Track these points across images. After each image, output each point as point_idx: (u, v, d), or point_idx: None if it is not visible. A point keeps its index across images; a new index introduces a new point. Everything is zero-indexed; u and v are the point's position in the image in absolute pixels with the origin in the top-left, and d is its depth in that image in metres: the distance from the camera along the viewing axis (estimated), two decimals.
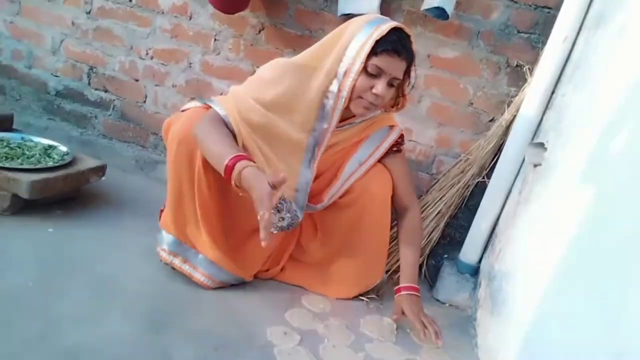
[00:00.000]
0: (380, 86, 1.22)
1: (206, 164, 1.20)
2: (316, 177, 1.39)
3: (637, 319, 0.63)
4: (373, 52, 1.19)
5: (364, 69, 1.21)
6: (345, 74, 1.22)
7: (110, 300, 1.16)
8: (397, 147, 1.45)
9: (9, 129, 1.79)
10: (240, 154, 1.11)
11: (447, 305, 1.59)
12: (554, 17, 1.51)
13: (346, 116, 1.33)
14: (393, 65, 1.22)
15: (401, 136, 1.46)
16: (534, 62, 1.63)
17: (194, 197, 1.26)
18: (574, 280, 0.88)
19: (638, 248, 0.68)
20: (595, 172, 0.95)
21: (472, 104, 1.77)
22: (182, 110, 1.34)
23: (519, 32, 1.68)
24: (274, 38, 1.91)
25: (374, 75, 1.22)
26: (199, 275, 1.31)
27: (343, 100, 1.25)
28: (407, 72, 1.30)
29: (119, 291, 1.21)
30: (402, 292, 1.37)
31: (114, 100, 2.12)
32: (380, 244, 1.47)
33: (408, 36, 1.24)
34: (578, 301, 0.83)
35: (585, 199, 0.94)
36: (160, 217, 1.39)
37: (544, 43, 1.57)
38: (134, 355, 1.00)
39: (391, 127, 1.45)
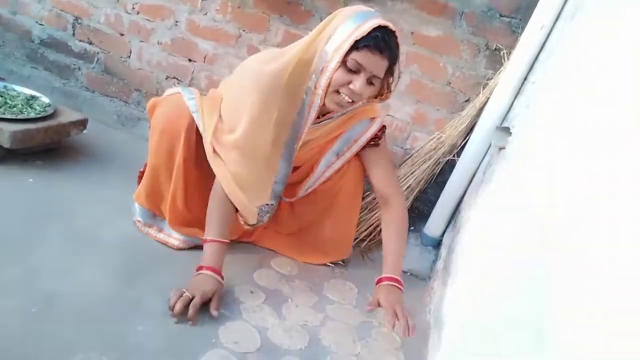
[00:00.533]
0: (358, 83, 1.20)
1: (187, 160, 1.31)
2: (293, 170, 1.41)
3: (566, 299, 0.71)
4: (354, 46, 1.16)
5: (344, 63, 1.19)
6: (322, 70, 1.21)
7: (86, 251, 1.22)
8: (374, 141, 1.43)
9: None
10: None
11: (409, 273, 1.68)
12: (536, 3, 1.54)
13: (326, 111, 1.34)
14: (373, 62, 1.19)
15: (382, 128, 1.44)
16: (512, 46, 1.67)
17: (169, 185, 1.34)
18: (514, 264, 0.96)
19: (578, 237, 0.75)
20: (557, 159, 1.01)
21: (450, 83, 1.81)
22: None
23: (501, 15, 1.71)
24: (262, 2, 1.91)
25: (353, 71, 1.20)
26: (173, 240, 1.38)
27: (319, 97, 1.24)
28: (391, 70, 1.28)
29: (95, 243, 1.27)
30: (383, 282, 1.35)
31: (98, 53, 2.12)
32: (351, 222, 1.57)
33: (393, 33, 1.20)
34: (517, 284, 0.91)
35: (536, 186, 1.01)
36: (138, 181, 1.45)
37: (523, 29, 1.60)
38: (106, 303, 1.08)
39: (372, 119, 1.43)
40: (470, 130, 1.73)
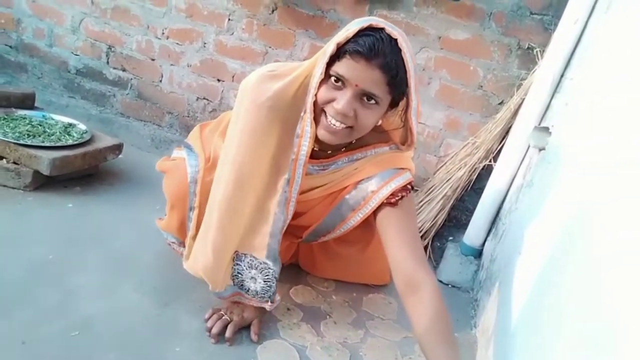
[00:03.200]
0: (342, 99, 0.95)
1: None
2: (300, 215, 1.18)
3: (622, 306, 0.66)
4: (337, 55, 0.95)
5: (328, 77, 0.97)
6: (310, 91, 0.99)
7: (124, 274, 1.23)
8: (394, 198, 1.10)
9: (31, 107, 1.86)
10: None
11: (450, 286, 1.62)
12: None
13: (334, 150, 1.13)
14: (357, 72, 0.93)
15: (408, 185, 1.13)
16: (545, 44, 1.61)
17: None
18: (567, 269, 0.90)
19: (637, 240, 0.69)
20: (599, 158, 0.95)
21: (481, 86, 1.76)
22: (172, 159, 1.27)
23: (531, 13, 1.65)
24: (286, 18, 1.92)
25: (337, 87, 0.97)
26: None
27: (308, 124, 1.01)
28: (400, 90, 1.00)
29: (132, 265, 1.28)
30: None
31: (131, 79, 2.18)
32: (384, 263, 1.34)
33: (391, 39, 0.93)
34: (570, 290, 0.85)
35: (584, 185, 0.96)
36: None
37: (556, 25, 1.54)
38: (144, 326, 1.08)
39: (400, 169, 1.13)
40: (506, 133, 1.67)
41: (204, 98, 2.11)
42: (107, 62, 2.19)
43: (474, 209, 1.67)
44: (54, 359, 0.92)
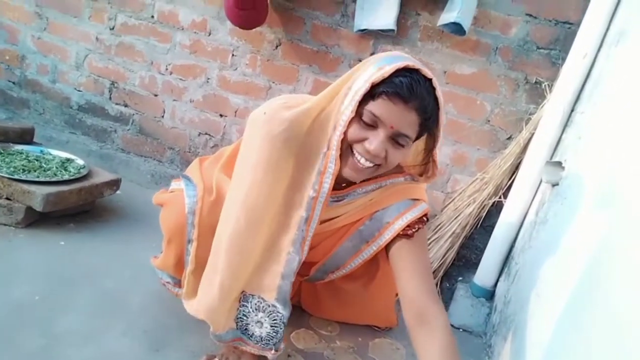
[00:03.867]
0: (375, 140, 0.93)
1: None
2: (309, 249, 1.07)
3: None
4: (371, 93, 0.92)
5: (359, 116, 0.94)
6: (334, 127, 0.95)
7: (113, 316, 1.16)
8: (410, 230, 1.08)
9: (29, 142, 1.83)
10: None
11: (461, 330, 1.53)
12: (575, 33, 1.47)
13: (348, 182, 1.07)
14: (394, 114, 0.91)
15: (424, 217, 1.11)
16: (553, 78, 1.58)
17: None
18: (590, 309, 0.83)
19: None
20: (615, 193, 0.90)
21: (489, 121, 1.72)
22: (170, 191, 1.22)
23: (538, 48, 1.63)
24: (290, 53, 1.91)
25: (370, 125, 0.94)
26: None
27: (333, 161, 0.96)
28: (429, 130, 1.00)
29: (123, 307, 1.20)
30: None
31: (133, 114, 2.16)
32: (389, 301, 1.39)
33: (426, 80, 0.92)
34: (595, 331, 0.77)
35: (604, 221, 0.89)
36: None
37: (564, 59, 1.52)
38: None
39: (415, 200, 1.11)
40: (515, 168, 1.61)
41: (206, 133, 2.08)
42: (110, 98, 2.17)
43: (484, 247, 1.60)
44: None
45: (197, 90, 2.05)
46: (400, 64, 0.91)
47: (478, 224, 1.70)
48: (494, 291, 1.56)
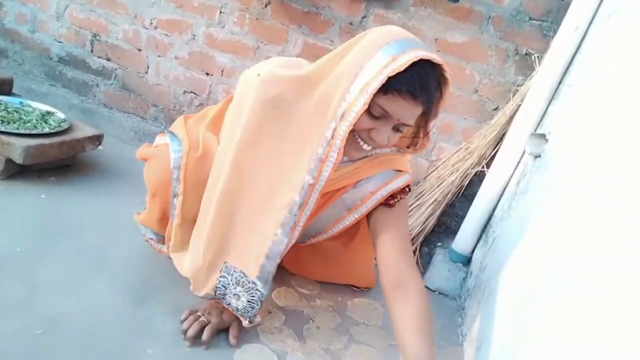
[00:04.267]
0: (381, 132, 0.95)
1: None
2: None
3: (617, 319, 0.61)
4: (381, 88, 0.89)
5: (367, 108, 0.91)
6: (342, 116, 0.92)
7: (96, 269, 1.16)
8: (393, 200, 1.12)
9: (8, 92, 1.78)
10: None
11: (437, 293, 1.58)
12: (568, 5, 1.46)
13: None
14: (403, 110, 0.92)
15: (406, 188, 1.14)
16: (543, 50, 1.59)
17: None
18: (561, 279, 0.86)
19: (635, 248, 0.66)
20: (598, 167, 0.92)
21: (477, 91, 1.72)
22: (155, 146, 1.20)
23: (530, 19, 1.62)
24: (280, 13, 1.87)
25: (377, 117, 0.94)
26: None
27: (337, 150, 0.94)
28: (431, 111, 0.99)
29: (106, 261, 1.20)
30: None
31: (115, 69, 2.10)
32: (368, 261, 1.40)
33: (435, 70, 0.92)
34: (564, 301, 0.81)
35: (581, 194, 0.92)
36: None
37: (555, 32, 1.52)
38: (115, 325, 1.01)
39: (398, 171, 1.13)
40: (500, 139, 1.63)
41: (191, 92, 2.04)
42: (92, 51, 2.11)
43: (465, 215, 1.63)
44: (15, 358, 0.85)
45: (183, 47, 2.00)
46: (415, 56, 0.87)
47: (460, 192, 1.73)
48: (470, 257, 1.60)
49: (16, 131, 1.43)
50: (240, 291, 1.04)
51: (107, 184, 1.62)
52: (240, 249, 1.04)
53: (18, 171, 1.44)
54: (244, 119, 0.98)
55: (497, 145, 1.63)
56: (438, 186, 1.70)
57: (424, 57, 0.88)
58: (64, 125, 1.58)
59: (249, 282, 1.03)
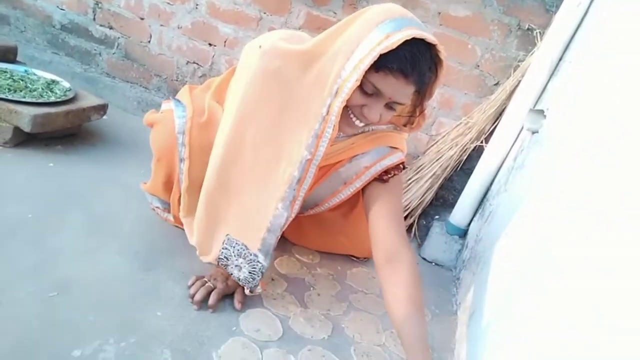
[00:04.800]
0: (373, 109, 0.98)
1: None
2: None
3: (607, 293, 0.66)
4: (374, 65, 0.91)
5: (360, 85, 0.93)
6: (337, 92, 0.93)
7: (105, 236, 1.20)
8: (387, 175, 1.15)
9: (12, 60, 1.78)
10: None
11: (433, 264, 1.63)
12: None
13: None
14: (394, 88, 0.94)
15: (400, 165, 1.17)
16: (545, 26, 1.59)
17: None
18: (552, 252, 0.90)
19: (627, 225, 0.69)
20: (594, 144, 0.95)
21: (478, 66, 1.73)
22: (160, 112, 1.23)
23: None
24: None
25: (369, 95, 0.97)
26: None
27: (332, 126, 0.95)
28: (425, 91, 1.02)
29: (114, 228, 1.25)
30: None
31: (118, 38, 2.10)
32: (366, 232, 1.36)
33: (429, 49, 0.93)
34: (555, 274, 0.85)
35: (576, 170, 0.95)
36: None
37: (558, 7, 1.52)
38: (125, 289, 1.06)
39: (393, 148, 1.17)
40: (499, 115, 1.65)
41: (194, 62, 2.04)
42: (94, 19, 2.10)
43: (462, 189, 1.67)
44: (31, 320, 0.90)
45: (186, 17, 1.99)
46: (408, 35, 0.88)
47: (458, 166, 1.76)
48: (467, 230, 1.65)
49: (23, 99, 1.45)
50: (241, 263, 1.09)
51: (113, 153, 1.65)
52: (242, 222, 1.07)
53: (26, 139, 1.47)
54: (244, 90, 1.00)
55: (496, 120, 1.66)
56: (437, 160, 1.73)
57: (418, 36, 0.89)
58: (70, 95, 1.60)
59: (251, 255, 1.07)
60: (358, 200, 1.34)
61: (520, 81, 1.56)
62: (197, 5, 1.97)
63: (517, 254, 1.07)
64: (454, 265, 1.62)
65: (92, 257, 1.11)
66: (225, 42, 1.98)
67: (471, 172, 1.65)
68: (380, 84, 0.94)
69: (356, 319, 1.22)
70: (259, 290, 1.14)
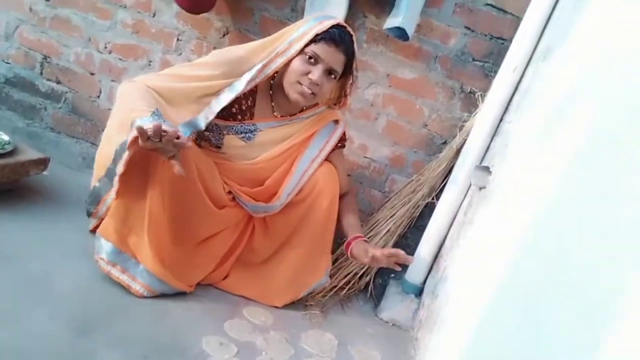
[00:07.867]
0: (316, 72, 1.31)
1: (163, 169, 1.20)
2: (271, 173, 1.47)
3: (566, 344, 0.65)
4: (313, 40, 1.29)
5: (304, 53, 1.31)
6: (276, 54, 1.32)
7: (39, 298, 1.10)
8: (341, 143, 1.56)
9: None
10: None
11: (390, 324, 1.59)
12: (507, 48, 1.57)
13: (293, 111, 1.47)
14: (330, 55, 1.31)
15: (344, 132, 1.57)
16: (486, 89, 1.69)
17: (144, 204, 1.23)
18: (509, 303, 0.90)
19: (567, 273, 0.70)
20: (535, 199, 0.98)
21: (426, 125, 1.80)
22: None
23: (474, 59, 1.74)
24: (237, 43, 1.87)
25: (312, 63, 1.32)
26: (137, 287, 1.25)
27: (271, 67, 1.32)
28: (348, 70, 1.40)
29: (49, 290, 1.14)
30: (359, 240, 1.44)
31: (66, 92, 2.04)
32: (325, 240, 1.51)
33: (350, 34, 1.34)
34: (513, 324, 0.84)
35: (523, 222, 0.97)
36: (94, 225, 1.36)
37: (496, 72, 1.62)
38: (56, 357, 0.95)
39: (336, 121, 1.53)
40: (448, 172, 1.70)
41: None
42: (41, 73, 2.05)
43: (416, 245, 1.68)
44: None
45: (138, 72, 1.98)
46: (334, 22, 1.33)
47: (412, 223, 1.78)
48: (423, 287, 1.64)
49: None
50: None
51: (52, 210, 1.55)
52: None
53: None
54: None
55: (446, 177, 1.70)
56: (391, 217, 1.74)
57: (341, 24, 1.34)
58: (8, 148, 1.51)
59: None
60: (310, 209, 1.49)
61: (465, 140, 1.63)
62: (150, 61, 1.97)
63: (473, 309, 1.07)
64: (411, 325, 1.59)
65: (21, 323, 1.01)
66: None
67: (424, 229, 1.67)
68: (320, 51, 1.30)
69: None
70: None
